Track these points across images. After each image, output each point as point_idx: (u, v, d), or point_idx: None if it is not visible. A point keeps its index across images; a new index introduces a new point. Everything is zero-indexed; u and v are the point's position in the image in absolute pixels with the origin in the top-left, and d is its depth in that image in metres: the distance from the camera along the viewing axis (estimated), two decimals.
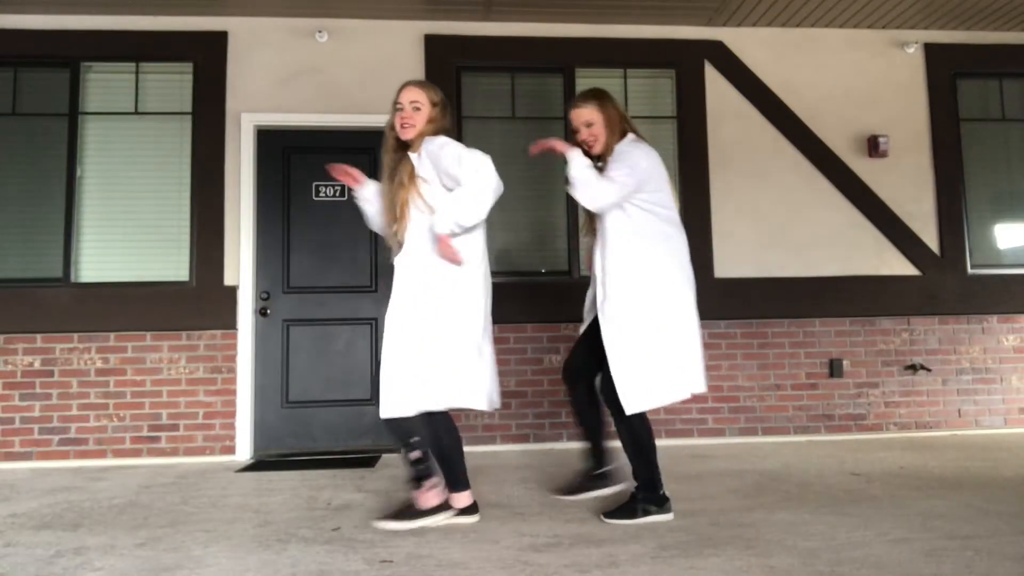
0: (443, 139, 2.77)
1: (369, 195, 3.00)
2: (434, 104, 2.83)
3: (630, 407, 2.73)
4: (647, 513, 2.78)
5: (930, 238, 5.12)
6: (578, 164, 2.81)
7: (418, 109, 2.80)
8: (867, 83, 5.21)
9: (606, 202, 2.78)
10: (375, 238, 4.72)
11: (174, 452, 4.48)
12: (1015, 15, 5.06)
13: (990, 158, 5.31)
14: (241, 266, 4.65)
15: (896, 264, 5.09)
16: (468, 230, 2.73)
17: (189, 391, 4.53)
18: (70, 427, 4.45)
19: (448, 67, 4.92)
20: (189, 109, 4.76)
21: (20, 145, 4.68)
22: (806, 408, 4.93)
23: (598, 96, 2.94)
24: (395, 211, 2.78)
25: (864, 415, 4.96)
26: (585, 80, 5.05)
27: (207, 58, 4.78)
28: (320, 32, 4.81)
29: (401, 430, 2.75)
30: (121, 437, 4.47)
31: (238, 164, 4.72)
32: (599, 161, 2.90)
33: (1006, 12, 5.01)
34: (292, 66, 4.81)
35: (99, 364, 4.50)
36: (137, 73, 4.80)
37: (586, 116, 2.90)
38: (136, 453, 4.47)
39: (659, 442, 4.72)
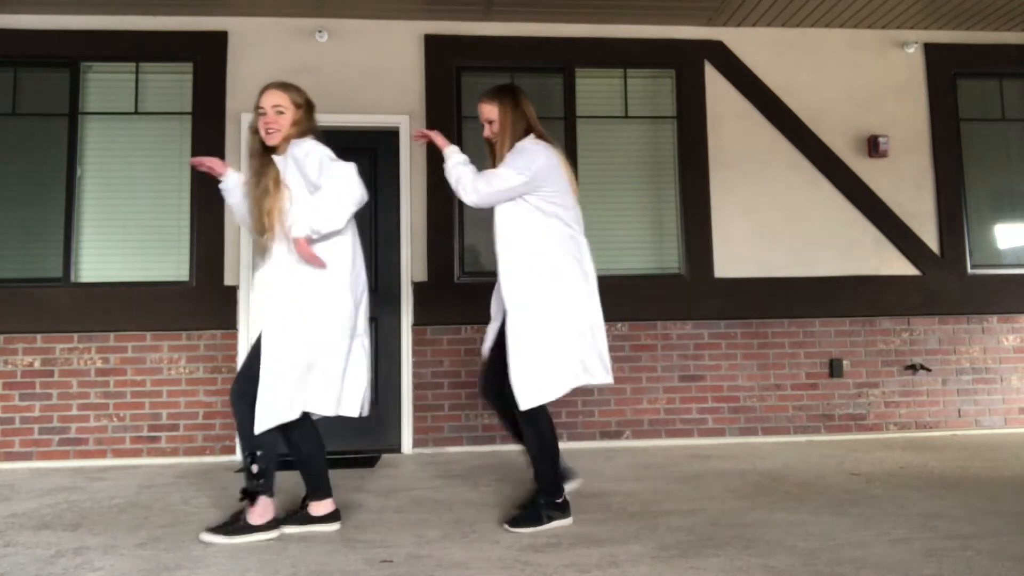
0: (309, 145, 2.69)
1: (231, 185, 2.88)
2: (298, 106, 2.76)
3: (524, 402, 2.66)
4: (551, 519, 2.70)
5: (930, 238, 5.12)
6: (452, 161, 2.82)
7: (281, 113, 2.73)
8: (867, 83, 5.21)
9: (481, 197, 2.75)
10: (375, 238, 4.72)
11: (174, 452, 4.48)
12: (1015, 15, 5.06)
13: (990, 158, 5.31)
14: (241, 266, 4.64)
15: (896, 264, 5.09)
16: (326, 236, 2.67)
17: (189, 391, 4.53)
18: (70, 427, 4.45)
19: (448, 67, 4.92)
20: (189, 109, 4.76)
21: (20, 145, 4.68)
22: (806, 408, 4.93)
23: (501, 95, 2.89)
24: (262, 219, 2.69)
25: (864, 415, 4.95)
26: (585, 80, 5.05)
27: (207, 58, 4.78)
28: (320, 32, 4.81)
29: (253, 441, 2.71)
30: (121, 437, 4.47)
31: (238, 164, 4.71)
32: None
33: (1006, 12, 5.01)
34: (292, 66, 4.79)
35: (99, 364, 4.50)
36: (137, 73, 4.79)
37: (487, 113, 2.89)
38: (136, 453, 4.47)
39: (659, 442, 4.80)
